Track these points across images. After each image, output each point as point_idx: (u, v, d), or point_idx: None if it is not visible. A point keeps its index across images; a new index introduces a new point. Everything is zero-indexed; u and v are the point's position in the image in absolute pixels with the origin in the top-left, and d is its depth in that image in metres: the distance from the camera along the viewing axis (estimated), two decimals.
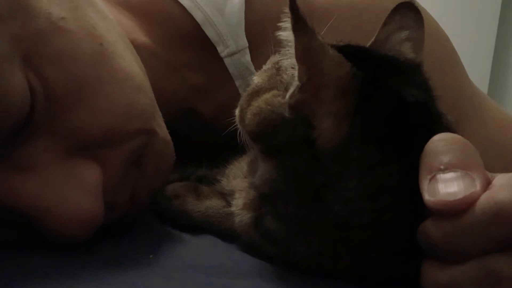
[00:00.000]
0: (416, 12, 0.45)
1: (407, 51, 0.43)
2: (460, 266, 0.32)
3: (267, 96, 0.39)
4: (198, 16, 0.57)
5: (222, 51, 0.58)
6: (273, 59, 0.43)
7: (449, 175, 0.32)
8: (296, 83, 0.36)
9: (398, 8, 0.45)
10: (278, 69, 0.40)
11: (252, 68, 0.59)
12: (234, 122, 0.43)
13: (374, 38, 0.45)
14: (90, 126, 0.39)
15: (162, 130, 0.46)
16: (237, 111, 0.42)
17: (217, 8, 0.57)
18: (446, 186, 0.32)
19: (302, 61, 0.35)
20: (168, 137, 0.47)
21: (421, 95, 0.38)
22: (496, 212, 0.30)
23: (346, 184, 0.35)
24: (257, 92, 0.40)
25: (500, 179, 0.32)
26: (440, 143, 0.34)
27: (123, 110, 0.41)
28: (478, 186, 0.31)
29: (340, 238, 0.37)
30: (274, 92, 0.39)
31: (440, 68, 0.61)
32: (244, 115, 0.40)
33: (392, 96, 0.36)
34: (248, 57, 0.58)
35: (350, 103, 0.35)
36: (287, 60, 0.38)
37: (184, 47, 0.59)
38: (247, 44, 0.58)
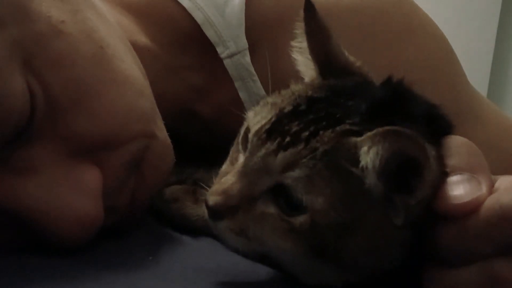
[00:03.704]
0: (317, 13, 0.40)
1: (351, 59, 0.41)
2: (464, 269, 0.32)
3: None
4: (198, 17, 0.57)
5: (222, 52, 0.58)
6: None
7: (455, 177, 0.32)
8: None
9: (310, 14, 0.40)
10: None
11: (252, 69, 0.58)
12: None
13: (324, 54, 0.40)
14: (90, 129, 0.39)
15: (162, 133, 0.46)
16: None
17: (217, 9, 0.57)
18: (452, 189, 0.32)
19: None
20: (168, 140, 0.47)
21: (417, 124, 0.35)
22: (501, 216, 0.30)
23: None
24: None
25: (504, 182, 0.32)
26: (446, 146, 0.34)
27: (123, 114, 0.41)
28: (484, 189, 0.31)
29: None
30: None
31: (437, 71, 0.61)
32: None
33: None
34: (248, 59, 0.58)
35: None
36: None
37: (184, 48, 0.59)
38: (247, 45, 0.58)
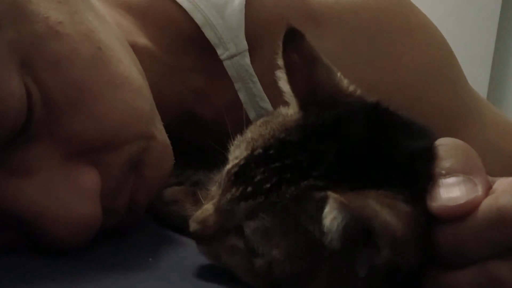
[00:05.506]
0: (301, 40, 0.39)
1: (344, 82, 0.40)
2: (462, 271, 0.32)
3: None
4: (198, 18, 0.57)
5: (222, 53, 0.58)
6: None
7: (451, 180, 0.32)
8: None
9: (290, 45, 0.38)
10: None
11: (252, 70, 0.59)
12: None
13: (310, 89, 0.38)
14: (88, 131, 0.39)
15: (161, 134, 0.46)
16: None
17: (217, 10, 0.57)
18: (448, 191, 0.32)
19: None
20: (167, 142, 0.47)
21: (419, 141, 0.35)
22: (498, 217, 0.30)
23: None
24: None
25: (501, 184, 0.32)
26: (442, 148, 0.34)
27: (121, 115, 0.41)
28: (480, 191, 0.31)
29: None
30: None
31: (437, 73, 0.61)
32: None
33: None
34: (247, 60, 0.58)
35: None
36: None
37: (184, 49, 0.59)
38: (247, 47, 0.58)
